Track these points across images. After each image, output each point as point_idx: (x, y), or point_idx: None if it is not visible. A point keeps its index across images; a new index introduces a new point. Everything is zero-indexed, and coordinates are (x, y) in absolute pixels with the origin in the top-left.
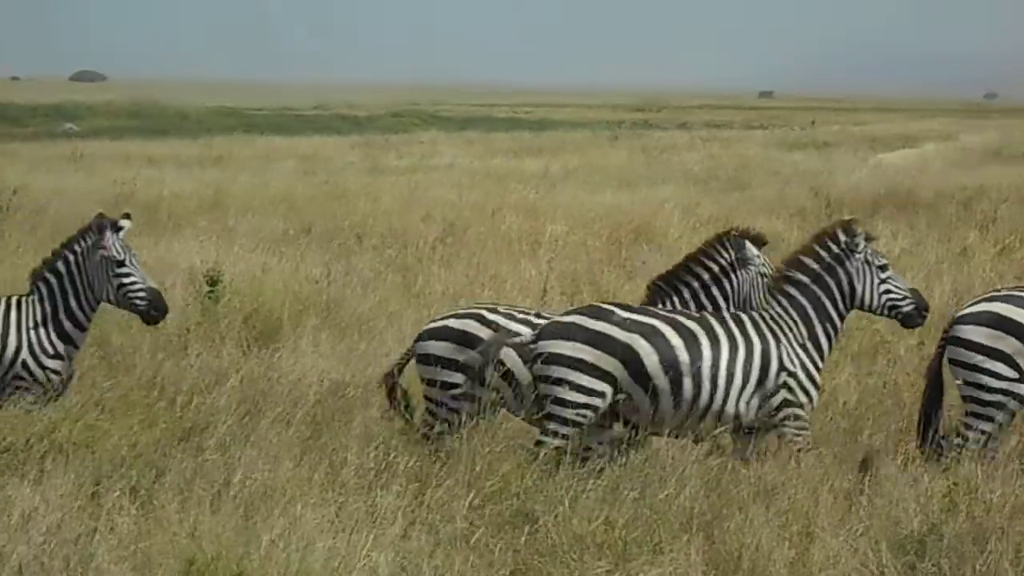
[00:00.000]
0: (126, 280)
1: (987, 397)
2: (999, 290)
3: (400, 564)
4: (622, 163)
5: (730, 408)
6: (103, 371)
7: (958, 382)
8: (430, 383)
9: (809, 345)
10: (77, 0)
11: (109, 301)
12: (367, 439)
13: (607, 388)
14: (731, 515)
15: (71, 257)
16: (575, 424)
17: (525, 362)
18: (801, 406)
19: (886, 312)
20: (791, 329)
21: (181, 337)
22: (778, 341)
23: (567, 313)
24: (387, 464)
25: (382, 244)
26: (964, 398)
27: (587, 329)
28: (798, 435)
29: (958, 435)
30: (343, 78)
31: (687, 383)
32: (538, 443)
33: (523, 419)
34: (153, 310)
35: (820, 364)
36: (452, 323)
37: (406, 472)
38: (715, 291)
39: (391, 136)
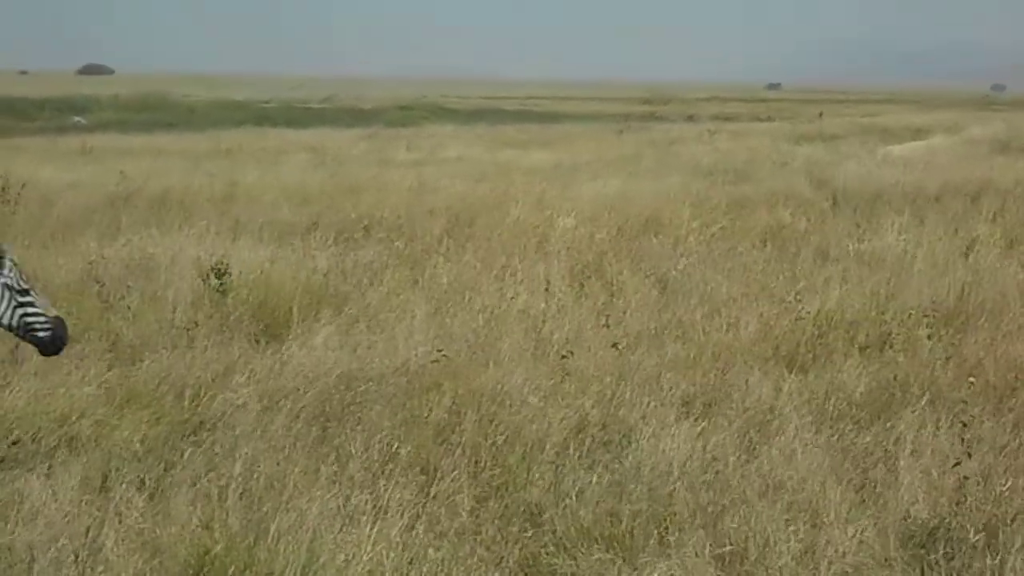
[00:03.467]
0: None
1: None
2: None
3: (406, 557)
4: (630, 156)
5: None
6: (112, 365)
7: None
8: None
9: None
10: None
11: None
12: (374, 431)
13: None
14: (737, 508)
15: None
16: None
17: None
18: None
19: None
20: None
21: (190, 330)
22: None
23: None
24: (392, 457)
25: (390, 236)
26: None
27: None
28: None
29: None
30: (350, 72)
31: None
32: None
33: None
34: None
35: None
36: None
37: (411, 465)
38: None
39: (399, 129)
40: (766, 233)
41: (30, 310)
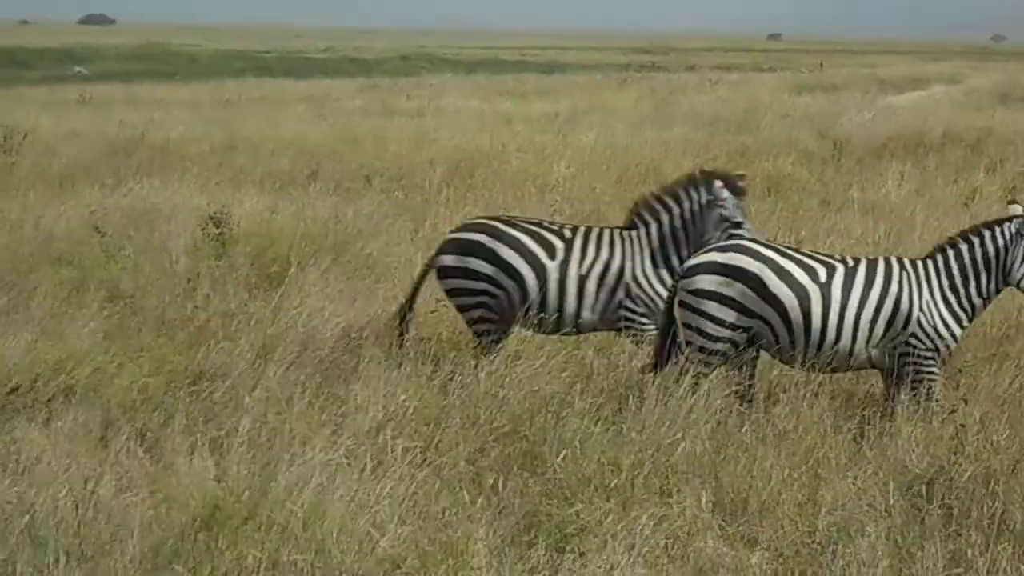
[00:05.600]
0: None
1: None
2: None
3: (409, 507)
4: (630, 105)
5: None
6: (111, 314)
7: None
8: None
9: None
10: None
11: None
12: (376, 381)
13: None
14: (738, 458)
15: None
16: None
17: None
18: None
19: None
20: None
21: (191, 280)
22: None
23: None
24: (396, 406)
25: (390, 186)
26: None
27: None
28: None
29: None
30: (352, 22)
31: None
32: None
33: None
34: None
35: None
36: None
37: (415, 414)
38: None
39: (399, 79)
40: (768, 183)
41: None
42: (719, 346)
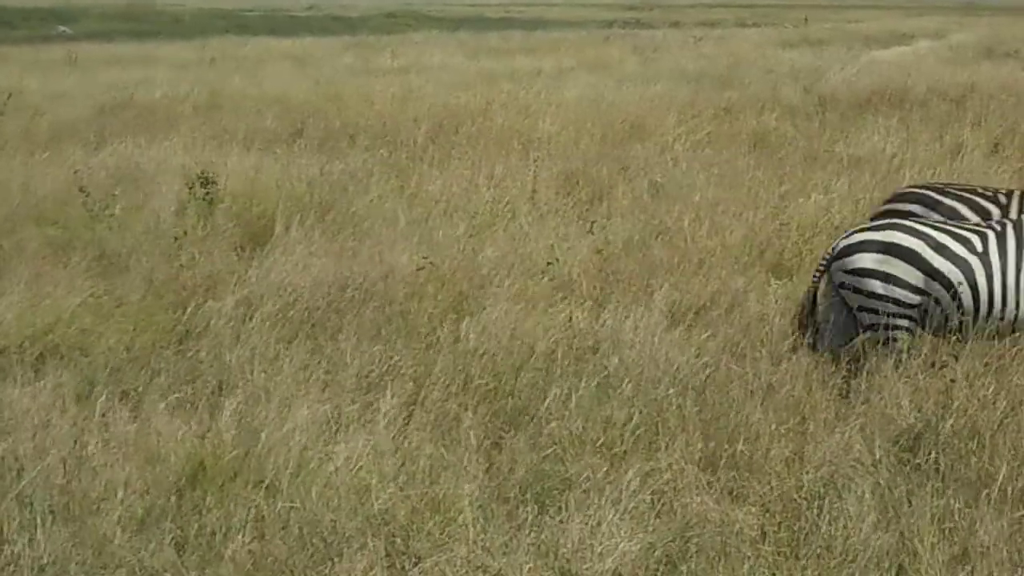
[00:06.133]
0: None
1: None
2: None
3: (396, 463)
4: (614, 62)
5: None
6: (97, 274)
7: None
8: None
9: None
10: None
11: None
12: (362, 339)
13: None
14: (727, 413)
15: None
16: None
17: None
18: None
19: None
20: None
21: (177, 240)
22: None
23: None
24: (384, 364)
25: (375, 144)
26: None
27: None
28: None
29: None
30: None
31: None
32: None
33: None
34: None
35: None
36: None
37: (402, 372)
38: None
39: (384, 37)
40: (753, 139)
41: None
42: (899, 321)
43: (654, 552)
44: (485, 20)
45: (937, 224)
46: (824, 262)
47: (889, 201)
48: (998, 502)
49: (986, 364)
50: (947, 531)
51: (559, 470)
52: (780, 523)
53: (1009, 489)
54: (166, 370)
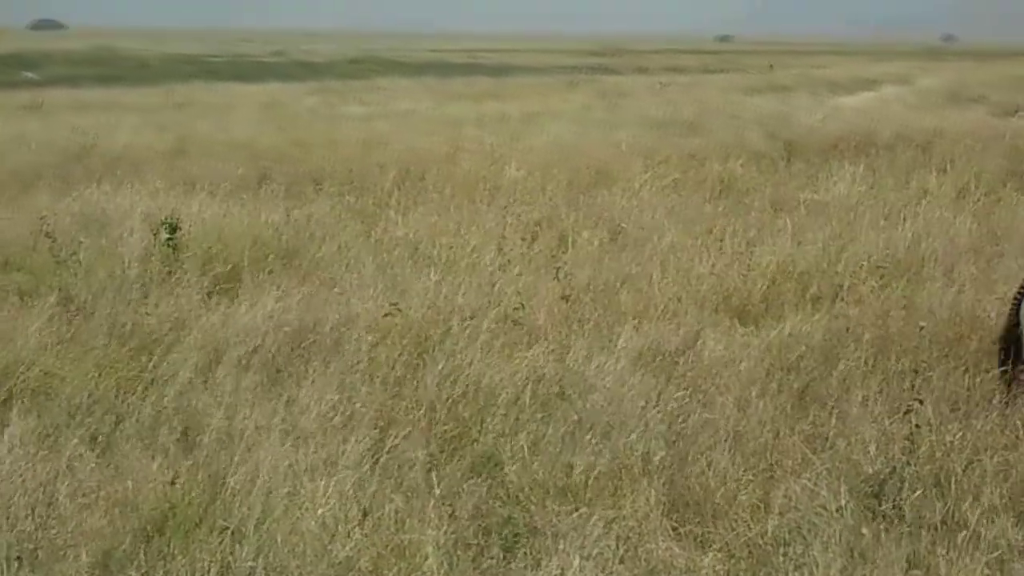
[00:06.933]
0: None
1: None
2: None
3: (361, 510)
4: (580, 108)
5: None
6: (61, 319)
7: None
8: None
9: None
10: None
11: None
12: (326, 385)
13: None
14: (695, 460)
15: None
16: None
17: None
18: None
19: None
20: None
21: (143, 285)
22: None
23: None
24: (347, 410)
25: (341, 190)
26: None
27: None
28: None
29: None
30: (298, 25)
31: None
32: None
33: None
34: None
35: None
36: None
37: (367, 419)
38: None
39: (350, 82)
40: (719, 185)
41: None
42: None
43: None
44: (450, 65)
45: None
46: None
47: None
48: (969, 547)
49: (952, 408)
50: None
51: (524, 516)
52: (746, 569)
53: (979, 533)
54: (130, 416)
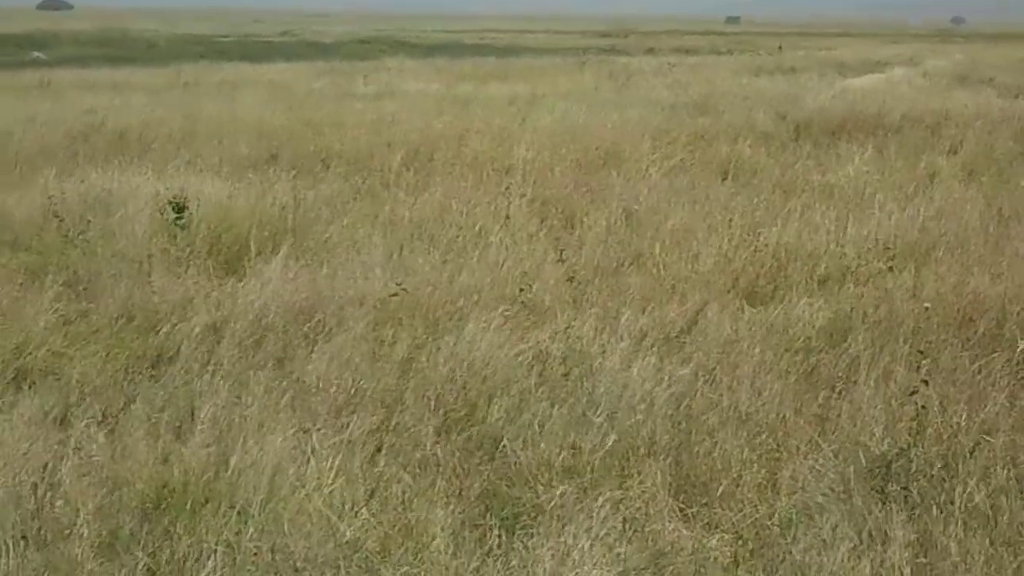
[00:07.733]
0: None
1: None
2: None
3: (369, 490)
4: (589, 89)
5: None
6: (68, 298)
7: None
8: None
9: None
10: None
11: None
12: (332, 364)
13: None
14: (701, 440)
15: None
16: None
17: None
18: None
19: None
20: None
21: (150, 264)
22: None
23: None
24: (355, 390)
25: (349, 170)
26: None
27: None
28: None
29: None
30: (309, 6)
31: None
32: None
33: None
34: None
35: None
36: None
37: (373, 398)
38: None
39: (358, 63)
40: (727, 166)
41: None
42: None
43: None
44: (460, 46)
45: None
46: None
47: None
48: (977, 528)
49: (960, 390)
50: (923, 558)
51: (530, 497)
52: (753, 550)
53: (987, 515)
54: (140, 395)
